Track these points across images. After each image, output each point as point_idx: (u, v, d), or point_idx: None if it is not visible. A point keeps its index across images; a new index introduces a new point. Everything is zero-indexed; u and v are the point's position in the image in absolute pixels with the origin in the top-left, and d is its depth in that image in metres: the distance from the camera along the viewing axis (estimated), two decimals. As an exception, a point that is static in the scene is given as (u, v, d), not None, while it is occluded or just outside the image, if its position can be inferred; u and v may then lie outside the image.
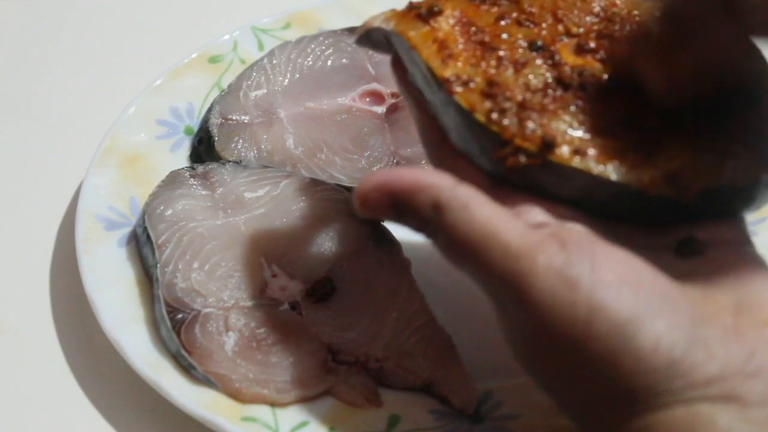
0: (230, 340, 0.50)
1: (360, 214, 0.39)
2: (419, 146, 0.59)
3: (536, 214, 0.39)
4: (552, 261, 0.35)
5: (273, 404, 0.48)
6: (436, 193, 0.37)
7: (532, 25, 0.43)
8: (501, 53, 0.42)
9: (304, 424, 0.48)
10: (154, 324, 0.51)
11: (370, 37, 0.47)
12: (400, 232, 0.56)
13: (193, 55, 0.65)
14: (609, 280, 0.34)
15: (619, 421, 0.35)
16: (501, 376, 0.51)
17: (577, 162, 0.38)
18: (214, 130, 0.60)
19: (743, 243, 0.40)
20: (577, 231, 0.37)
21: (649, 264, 0.36)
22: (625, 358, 0.34)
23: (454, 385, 0.49)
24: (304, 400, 0.49)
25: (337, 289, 0.52)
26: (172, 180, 0.57)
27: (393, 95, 0.62)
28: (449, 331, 0.51)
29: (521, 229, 0.36)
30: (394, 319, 0.51)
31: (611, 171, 0.38)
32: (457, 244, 0.37)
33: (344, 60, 0.64)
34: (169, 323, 0.50)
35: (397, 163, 0.59)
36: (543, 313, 0.35)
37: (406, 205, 0.37)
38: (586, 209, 0.39)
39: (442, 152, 0.44)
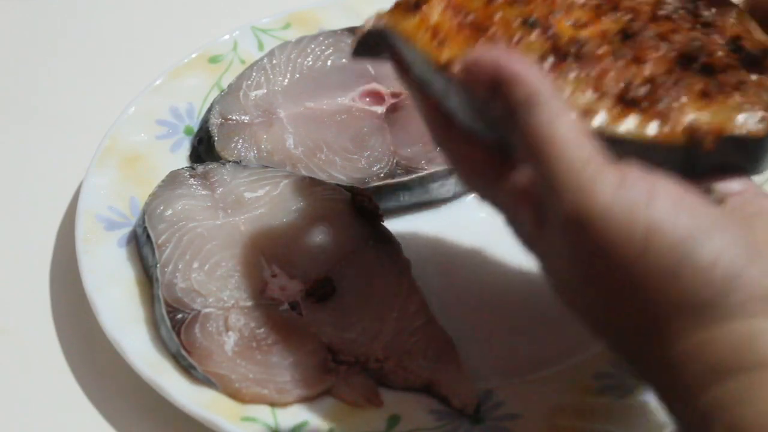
0: (230, 340, 0.50)
1: (463, 75, 0.39)
2: (419, 146, 0.59)
3: None
4: (612, 180, 0.35)
5: (273, 404, 0.48)
6: (536, 89, 0.37)
7: (523, 5, 0.43)
8: (494, 31, 0.42)
9: (304, 424, 0.48)
10: (154, 324, 0.51)
11: (365, 44, 0.47)
12: (400, 232, 0.56)
13: (193, 55, 0.65)
14: (666, 203, 0.35)
15: (676, 338, 0.35)
16: (501, 376, 0.51)
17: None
18: (214, 130, 0.60)
19: (759, 194, 0.40)
20: (635, 166, 0.37)
21: (701, 195, 0.36)
22: (684, 272, 0.34)
23: (454, 385, 0.49)
24: (304, 400, 0.49)
25: (337, 289, 0.52)
26: (172, 180, 0.57)
27: (393, 95, 0.62)
28: (449, 331, 0.51)
29: (593, 150, 0.36)
30: (394, 319, 0.51)
31: (624, 127, 0.38)
32: (532, 140, 0.37)
33: (344, 60, 0.64)
34: (169, 323, 0.50)
35: (397, 164, 0.59)
36: (600, 227, 0.35)
37: (504, 89, 0.38)
38: None
39: (451, 138, 0.44)
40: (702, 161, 0.39)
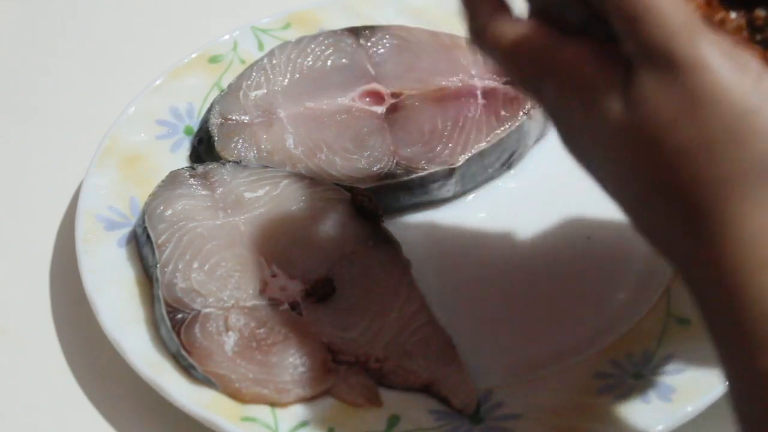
0: (230, 340, 0.50)
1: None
2: (419, 146, 0.59)
3: None
4: (717, 44, 0.34)
5: (273, 404, 0.48)
6: None
7: None
8: None
9: (304, 424, 0.48)
10: (154, 324, 0.51)
11: None
12: (400, 232, 0.56)
13: (193, 55, 0.65)
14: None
15: (752, 199, 0.33)
16: (501, 376, 0.51)
17: None
18: (214, 130, 0.60)
19: None
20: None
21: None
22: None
23: (454, 385, 0.49)
24: (304, 400, 0.49)
25: (337, 289, 0.52)
26: (172, 180, 0.57)
27: (393, 95, 0.62)
28: (449, 331, 0.51)
29: (689, 11, 0.35)
30: (394, 319, 0.51)
31: None
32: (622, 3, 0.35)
33: (344, 60, 0.64)
34: (169, 323, 0.50)
35: (397, 164, 0.59)
36: (712, 71, 0.33)
37: None
38: None
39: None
40: None
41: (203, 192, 0.56)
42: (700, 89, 0.34)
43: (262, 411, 0.48)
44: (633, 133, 0.35)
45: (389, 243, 0.54)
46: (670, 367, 0.49)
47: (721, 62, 0.34)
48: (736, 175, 0.34)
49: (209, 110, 0.61)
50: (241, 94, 0.62)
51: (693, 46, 0.34)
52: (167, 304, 0.51)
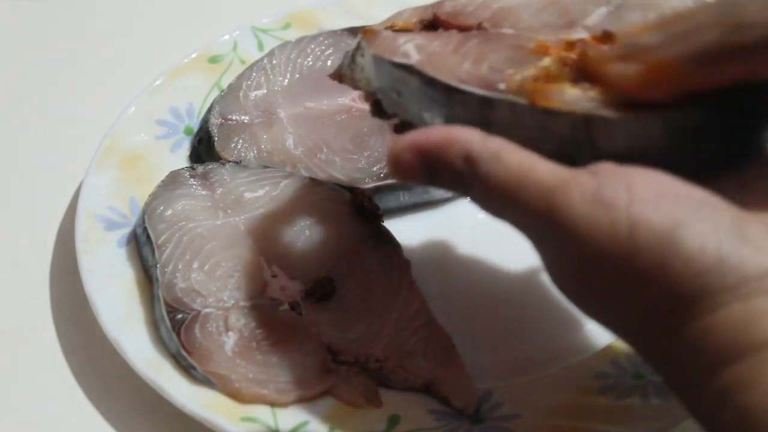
0: (230, 340, 0.50)
1: (395, 177, 0.39)
2: (419, 146, 0.59)
3: None
4: (586, 189, 0.35)
5: (273, 404, 0.48)
6: (467, 145, 0.37)
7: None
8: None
9: (304, 424, 0.48)
10: (154, 324, 0.51)
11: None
12: (400, 232, 0.56)
13: (193, 55, 0.65)
14: (646, 196, 0.35)
15: (677, 329, 0.35)
16: (501, 376, 0.51)
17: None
18: (214, 130, 0.60)
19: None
20: (606, 164, 0.37)
21: (682, 180, 0.36)
22: (674, 265, 0.34)
23: (454, 385, 0.49)
24: (304, 400, 0.49)
25: (337, 289, 0.52)
26: (172, 180, 0.57)
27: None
28: (449, 331, 0.51)
29: (553, 167, 0.36)
30: (394, 319, 0.51)
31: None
32: (493, 192, 0.37)
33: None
34: (169, 323, 0.50)
35: (397, 163, 0.59)
36: (584, 239, 0.35)
37: (438, 162, 0.38)
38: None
39: None
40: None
41: (203, 192, 0.56)
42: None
43: (262, 411, 0.48)
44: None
45: (389, 243, 0.54)
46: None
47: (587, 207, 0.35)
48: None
49: (209, 110, 0.62)
50: (241, 94, 0.62)
51: (563, 217, 0.35)
52: (167, 304, 0.51)
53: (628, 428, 0.47)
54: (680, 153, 0.38)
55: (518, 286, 0.56)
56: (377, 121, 0.61)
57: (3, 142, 0.65)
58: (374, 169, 0.59)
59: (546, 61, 0.41)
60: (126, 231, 0.56)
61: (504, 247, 0.54)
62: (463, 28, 0.46)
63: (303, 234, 0.54)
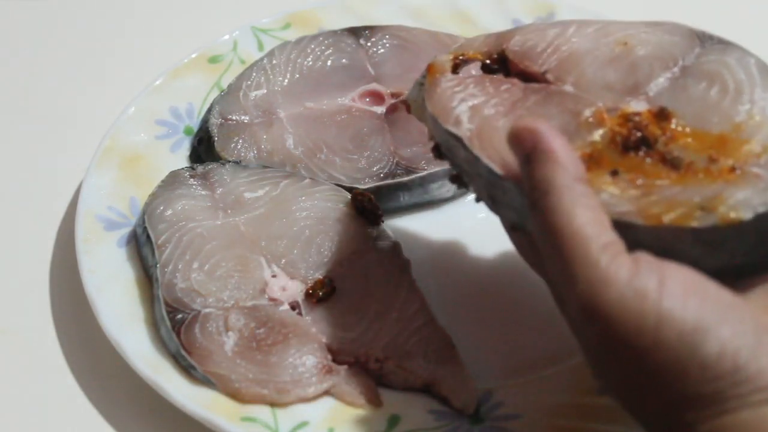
0: (230, 340, 0.50)
1: (508, 138, 0.40)
2: (419, 146, 0.59)
3: None
4: (623, 273, 0.36)
5: (273, 404, 0.48)
6: (559, 173, 0.38)
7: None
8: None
9: (304, 424, 0.48)
10: (154, 324, 0.51)
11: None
12: (400, 232, 0.56)
13: (193, 55, 0.65)
14: (676, 292, 0.36)
15: (688, 427, 0.36)
16: (501, 376, 0.51)
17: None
18: (214, 130, 0.60)
19: None
20: (645, 254, 0.38)
21: (713, 280, 0.37)
22: (692, 366, 0.35)
23: (454, 385, 0.49)
24: (304, 400, 0.49)
25: (337, 289, 0.52)
26: (172, 180, 0.57)
27: (393, 95, 0.62)
28: (449, 331, 0.51)
29: (609, 241, 0.37)
30: (394, 319, 0.51)
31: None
32: (547, 228, 0.37)
33: (344, 60, 0.64)
34: (169, 323, 0.50)
35: (397, 164, 0.59)
36: (612, 321, 0.36)
37: (536, 163, 0.38)
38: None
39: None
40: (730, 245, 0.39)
41: (203, 192, 0.56)
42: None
43: (262, 411, 0.48)
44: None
45: (389, 243, 0.54)
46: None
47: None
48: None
49: (209, 110, 0.62)
50: (241, 94, 0.62)
51: (599, 291, 0.36)
52: (167, 304, 0.51)
53: (628, 428, 0.47)
54: (711, 258, 0.39)
55: (518, 286, 0.56)
56: (377, 121, 0.61)
57: (3, 142, 0.65)
58: (374, 169, 0.59)
59: (597, 135, 0.42)
60: (126, 231, 0.56)
61: (504, 248, 0.54)
62: (527, 74, 0.46)
63: (303, 234, 0.54)
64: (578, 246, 0.37)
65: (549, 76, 0.46)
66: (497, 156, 0.42)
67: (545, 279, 0.43)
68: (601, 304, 0.36)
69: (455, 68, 0.47)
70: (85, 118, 0.66)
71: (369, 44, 0.64)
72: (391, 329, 0.51)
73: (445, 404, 0.49)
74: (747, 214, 0.38)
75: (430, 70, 0.47)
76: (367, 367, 0.50)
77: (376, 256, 0.54)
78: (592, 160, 0.41)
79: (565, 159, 0.38)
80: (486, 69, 0.48)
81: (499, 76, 0.47)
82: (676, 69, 0.45)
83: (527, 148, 0.39)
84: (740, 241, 0.39)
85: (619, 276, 0.36)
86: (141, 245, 0.54)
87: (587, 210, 0.37)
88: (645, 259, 0.37)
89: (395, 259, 0.54)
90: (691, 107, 0.43)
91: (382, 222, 0.55)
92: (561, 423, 0.48)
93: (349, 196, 0.56)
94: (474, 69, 0.48)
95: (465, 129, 0.44)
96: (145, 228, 0.54)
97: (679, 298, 0.35)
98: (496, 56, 0.48)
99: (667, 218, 0.38)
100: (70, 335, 0.54)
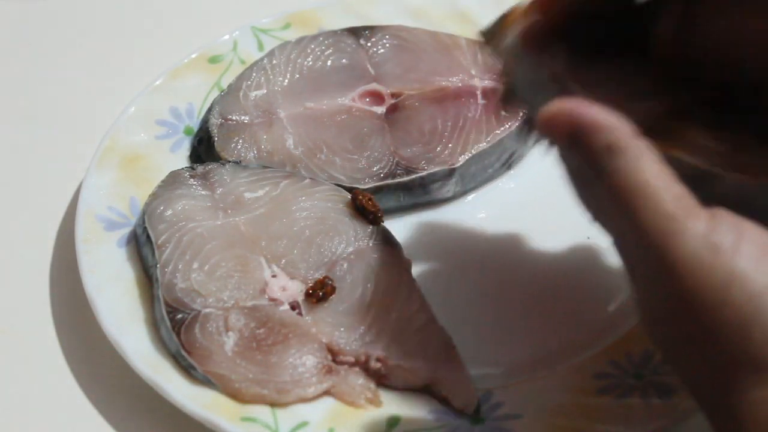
0: (230, 340, 0.50)
1: (539, 130, 0.39)
2: (419, 146, 0.59)
3: None
4: (700, 226, 0.35)
5: (273, 404, 0.48)
6: (616, 135, 0.37)
7: None
8: None
9: (304, 424, 0.48)
10: (154, 324, 0.51)
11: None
12: (400, 232, 0.56)
13: (193, 55, 0.65)
14: (751, 251, 0.35)
15: (742, 389, 0.35)
16: (501, 376, 0.51)
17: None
18: (214, 131, 0.60)
19: None
20: (725, 210, 0.37)
21: None
22: (756, 329, 0.34)
23: (454, 385, 0.49)
24: (304, 400, 0.49)
25: (337, 289, 0.52)
26: (172, 180, 0.57)
27: (393, 95, 0.62)
28: (449, 331, 0.51)
29: (680, 193, 0.36)
30: (394, 319, 0.51)
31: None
32: (617, 190, 0.37)
33: (344, 60, 0.64)
34: (169, 323, 0.50)
35: (397, 164, 0.59)
36: (683, 274, 0.35)
37: (584, 138, 0.37)
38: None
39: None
40: None
41: (203, 192, 0.56)
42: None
43: (262, 411, 0.48)
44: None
45: (389, 243, 0.54)
46: (670, 367, 0.49)
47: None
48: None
49: (209, 110, 0.62)
50: (241, 94, 0.62)
51: (674, 245, 0.36)
52: (167, 304, 0.51)
53: (628, 428, 0.47)
54: None
55: (518, 286, 0.56)
56: (377, 121, 0.61)
57: (3, 142, 0.65)
58: (374, 169, 0.59)
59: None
60: (126, 231, 0.56)
61: (504, 247, 0.54)
62: None
63: (303, 234, 0.54)
64: (650, 198, 0.36)
65: None
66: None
67: (607, 230, 0.41)
68: (675, 256, 0.35)
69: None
70: (85, 118, 0.66)
71: (369, 44, 0.64)
72: (391, 329, 0.51)
73: (445, 404, 0.49)
74: None
75: (510, 16, 0.45)
76: (367, 367, 0.50)
77: (376, 256, 0.54)
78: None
79: (610, 122, 0.37)
80: None
81: None
82: None
83: (567, 131, 0.38)
84: None
85: (695, 229, 0.35)
86: (141, 245, 0.54)
87: (653, 163, 0.36)
88: (723, 214, 0.36)
89: (395, 259, 0.54)
90: None
91: (382, 222, 0.55)
92: (561, 423, 0.48)
93: (349, 196, 0.56)
94: None
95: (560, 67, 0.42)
96: (145, 228, 0.54)
97: (754, 259, 0.35)
98: None
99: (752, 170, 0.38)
100: (70, 335, 0.54)
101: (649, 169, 0.36)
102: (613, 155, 0.37)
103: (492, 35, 0.47)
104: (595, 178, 0.38)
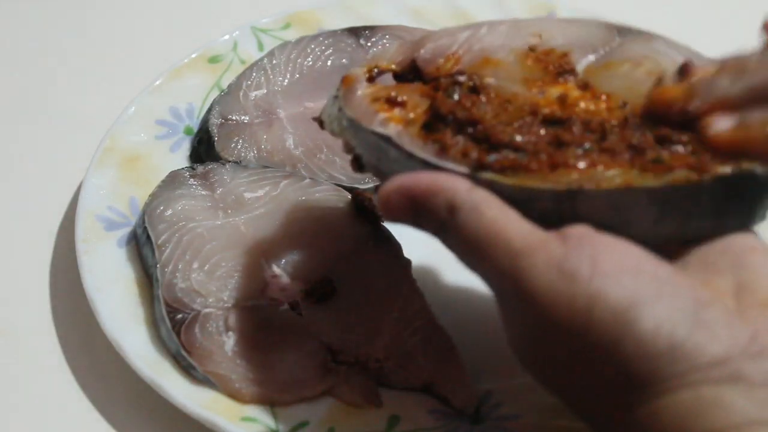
0: (230, 340, 0.50)
1: (384, 217, 0.40)
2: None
3: None
4: (551, 257, 0.36)
5: (273, 404, 0.48)
6: (452, 195, 0.38)
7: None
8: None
9: (304, 424, 0.48)
10: (154, 324, 0.51)
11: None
12: (399, 232, 0.56)
13: (193, 55, 0.65)
14: (608, 270, 0.35)
15: (625, 409, 0.35)
16: (501, 376, 0.51)
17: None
18: (214, 130, 0.60)
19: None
20: (580, 228, 0.37)
21: (649, 252, 0.36)
22: (627, 345, 0.34)
23: (453, 385, 0.49)
24: (304, 400, 0.49)
25: (337, 289, 0.52)
26: (172, 180, 0.57)
27: (393, 95, 0.62)
28: (449, 331, 0.51)
29: (526, 229, 0.37)
30: (394, 319, 0.51)
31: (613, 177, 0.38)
32: (466, 243, 0.38)
33: (344, 60, 0.64)
34: (169, 323, 0.50)
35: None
36: (543, 308, 0.35)
37: (424, 207, 0.39)
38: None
39: None
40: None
41: (203, 192, 0.56)
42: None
43: (262, 411, 0.48)
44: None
45: (389, 243, 0.54)
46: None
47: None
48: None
49: (209, 110, 0.62)
50: (241, 94, 0.62)
51: (527, 282, 0.36)
52: (167, 304, 0.51)
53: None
54: (661, 225, 0.38)
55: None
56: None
57: (3, 142, 0.65)
58: (374, 169, 0.59)
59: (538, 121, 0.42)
60: (126, 231, 0.56)
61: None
62: (435, 77, 0.45)
63: (303, 234, 0.54)
64: (496, 242, 0.37)
65: (461, 78, 0.44)
66: (432, 148, 0.41)
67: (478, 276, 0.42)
68: (531, 291, 0.35)
69: (370, 80, 0.46)
70: (85, 118, 0.66)
71: (369, 44, 0.64)
72: (391, 329, 0.51)
73: (445, 404, 0.49)
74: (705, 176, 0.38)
75: (345, 81, 0.46)
76: (367, 367, 0.50)
77: (376, 256, 0.54)
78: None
79: (443, 183, 0.38)
80: (399, 79, 0.46)
81: (416, 84, 0.45)
82: (593, 56, 0.44)
83: (407, 206, 0.39)
84: (694, 203, 0.38)
85: (548, 261, 0.35)
86: (141, 245, 0.54)
87: (494, 209, 0.37)
88: (577, 236, 0.36)
89: (395, 259, 0.54)
90: (617, 83, 0.43)
91: (382, 222, 0.55)
92: (561, 423, 0.48)
93: (349, 196, 0.56)
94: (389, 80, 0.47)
95: (392, 127, 0.42)
96: (145, 228, 0.54)
97: (612, 276, 0.35)
98: (408, 65, 0.46)
99: (618, 181, 0.38)
100: (70, 335, 0.54)
101: (488, 215, 0.37)
102: (454, 213, 0.38)
103: (329, 117, 0.47)
104: (447, 238, 0.39)
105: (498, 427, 0.48)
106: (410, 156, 0.41)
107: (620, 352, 0.34)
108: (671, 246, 0.38)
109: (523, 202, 0.38)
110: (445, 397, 0.49)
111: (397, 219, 0.40)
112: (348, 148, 0.46)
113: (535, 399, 0.50)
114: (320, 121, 0.48)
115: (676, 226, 0.38)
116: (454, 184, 0.38)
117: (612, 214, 0.38)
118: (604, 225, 0.38)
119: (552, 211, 0.38)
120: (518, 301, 0.37)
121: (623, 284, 0.35)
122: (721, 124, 0.39)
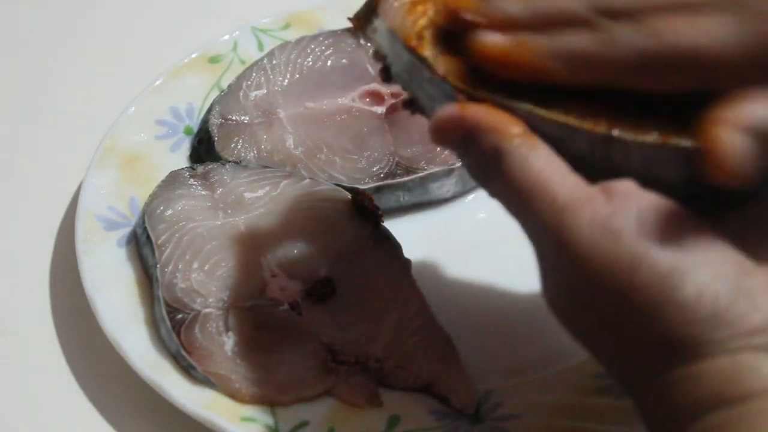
0: (230, 340, 0.50)
1: (432, 140, 0.39)
2: (419, 146, 0.59)
3: None
4: (597, 214, 0.35)
5: (273, 404, 0.48)
6: (500, 138, 0.37)
7: None
8: None
9: (304, 424, 0.48)
10: (154, 324, 0.51)
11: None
12: (400, 232, 0.56)
13: (193, 55, 0.65)
14: (654, 231, 0.35)
15: (660, 371, 0.35)
16: (501, 376, 0.51)
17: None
18: (214, 131, 0.60)
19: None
20: (626, 183, 0.36)
21: (695, 216, 0.36)
22: (668, 309, 0.34)
23: (454, 385, 0.49)
24: (304, 400, 0.49)
25: (337, 290, 0.52)
26: (172, 180, 0.57)
27: (393, 95, 0.62)
28: (449, 331, 0.51)
29: (572, 183, 0.36)
30: (394, 319, 0.51)
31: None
32: (510, 191, 0.37)
33: (344, 60, 0.64)
34: (169, 323, 0.50)
35: (397, 164, 0.59)
36: (585, 266, 0.35)
37: (473, 143, 0.38)
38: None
39: None
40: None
41: (203, 192, 0.56)
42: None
43: (262, 411, 0.48)
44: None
45: (389, 243, 0.54)
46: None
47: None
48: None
49: (209, 110, 0.62)
50: (241, 94, 0.62)
51: (571, 237, 0.35)
52: (167, 305, 0.51)
53: (628, 428, 0.47)
54: (698, 187, 0.37)
55: (518, 286, 0.56)
56: (377, 121, 0.61)
57: (3, 142, 0.65)
58: (374, 169, 0.59)
59: (422, 22, 0.41)
60: (126, 231, 0.56)
61: (504, 248, 0.54)
62: None
63: (303, 234, 0.54)
64: (541, 194, 0.36)
65: None
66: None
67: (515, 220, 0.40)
68: (575, 247, 0.35)
69: None
70: (85, 118, 0.66)
71: (369, 44, 0.64)
72: (391, 329, 0.51)
73: (445, 404, 0.49)
74: None
75: None
76: (367, 367, 0.50)
77: (376, 256, 0.54)
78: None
79: (495, 124, 0.37)
80: None
81: None
82: None
83: (458, 137, 0.38)
84: None
85: (593, 217, 0.35)
86: (141, 245, 0.54)
87: (542, 159, 0.36)
88: (621, 190, 0.36)
89: (395, 259, 0.54)
90: None
91: (382, 222, 0.55)
92: (561, 423, 0.48)
93: (349, 196, 0.56)
94: None
95: (428, 49, 0.40)
96: (145, 228, 0.54)
97: (657, 238, 0.34)
98: None
99: (654, 137, 0.36)
100: (70, 335, 0.54)
101: (535, 166, 0.36)
102: (501, 156, 0.37)
103: (362, 20, 0.45)
104: (491, 178, 0.38)
105: (498, 427, 0.48)
106: (444, 80, 0.40)
107: (661, 315, 0.34)
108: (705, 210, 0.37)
109: (560, 140, 0.37)
110: (445, 397, 0.49)
111: (446, 146, 0.39)
112: (378, 57, 0.44)
113: (535, 399, 0.50)
114: (356, 20, 0.46)
115: (710, 188, 0.37)
116: (507, 127, 0.37)
117: (645, 169, 0.37)
118: (638, 177, 0.37)
119: (587, 155, 0.37)
120: (559, 256, 0.36)
121: (667, 247, 0.34)
122: (492, 38, 0.38)
